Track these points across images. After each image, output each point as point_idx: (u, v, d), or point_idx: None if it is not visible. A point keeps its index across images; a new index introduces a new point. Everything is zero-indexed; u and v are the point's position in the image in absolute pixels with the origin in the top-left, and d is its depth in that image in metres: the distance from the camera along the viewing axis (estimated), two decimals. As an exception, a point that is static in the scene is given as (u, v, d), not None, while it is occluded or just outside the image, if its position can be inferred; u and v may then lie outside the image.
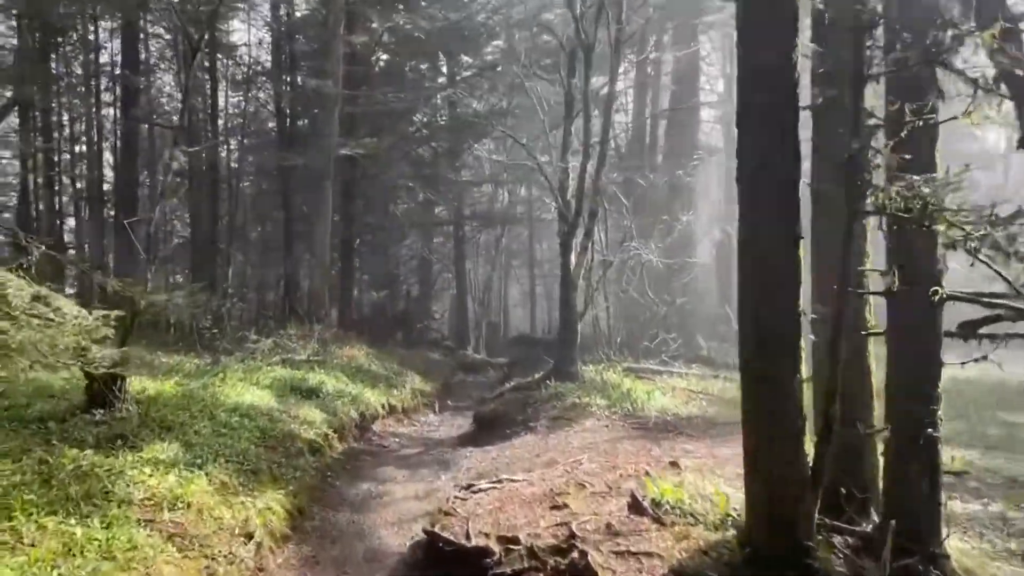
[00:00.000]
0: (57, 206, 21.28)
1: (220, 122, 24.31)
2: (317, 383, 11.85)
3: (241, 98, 25.80)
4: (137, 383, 9.11)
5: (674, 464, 7.74)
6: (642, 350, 17.50)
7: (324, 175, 18.25)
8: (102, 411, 7.53)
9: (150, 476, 6.28)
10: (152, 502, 5.91)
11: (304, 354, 14.08)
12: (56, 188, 20.97)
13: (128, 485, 5.97)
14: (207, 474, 6.82)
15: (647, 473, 7.30)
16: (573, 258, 11.64)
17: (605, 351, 17.64)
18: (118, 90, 20.25)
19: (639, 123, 26.85)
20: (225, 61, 24.73)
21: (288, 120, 21.41)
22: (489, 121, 25.53)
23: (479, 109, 26.08)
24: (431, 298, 32.03)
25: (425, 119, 27.20)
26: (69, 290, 15.73)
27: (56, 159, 21.21)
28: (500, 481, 7.49)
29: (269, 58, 24.60)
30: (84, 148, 22.67)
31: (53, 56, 19.72)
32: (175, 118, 23.40)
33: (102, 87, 21.61)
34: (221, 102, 25.68)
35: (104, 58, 22.26)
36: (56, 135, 21.06)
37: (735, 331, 5.97)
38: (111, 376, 7.43)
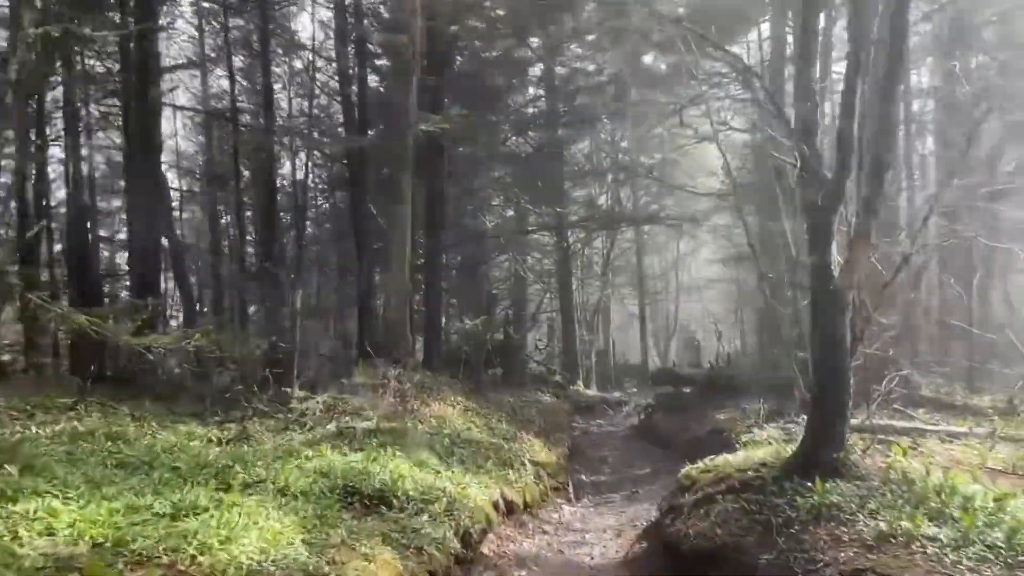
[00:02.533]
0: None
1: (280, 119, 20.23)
2: (389, 480, 6.92)
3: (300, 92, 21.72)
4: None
5: None
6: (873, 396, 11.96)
7: (401, 165, 13.61)
8: None
9: None
10: None
11: (374, 418, 9.25)
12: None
13: None
14: None
15: None
16: (836, 251, 6.31)
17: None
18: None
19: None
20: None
21: (356, 100, 16.79)
22: (601, 100, 20.60)
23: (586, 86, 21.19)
24: (529, 325, 27.01)
25: (523, 103, 22.36)
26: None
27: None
28: None
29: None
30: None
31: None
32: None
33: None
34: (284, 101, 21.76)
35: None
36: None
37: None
38: None
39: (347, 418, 9.25)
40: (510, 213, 23.84)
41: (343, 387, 10.97)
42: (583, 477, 11.42)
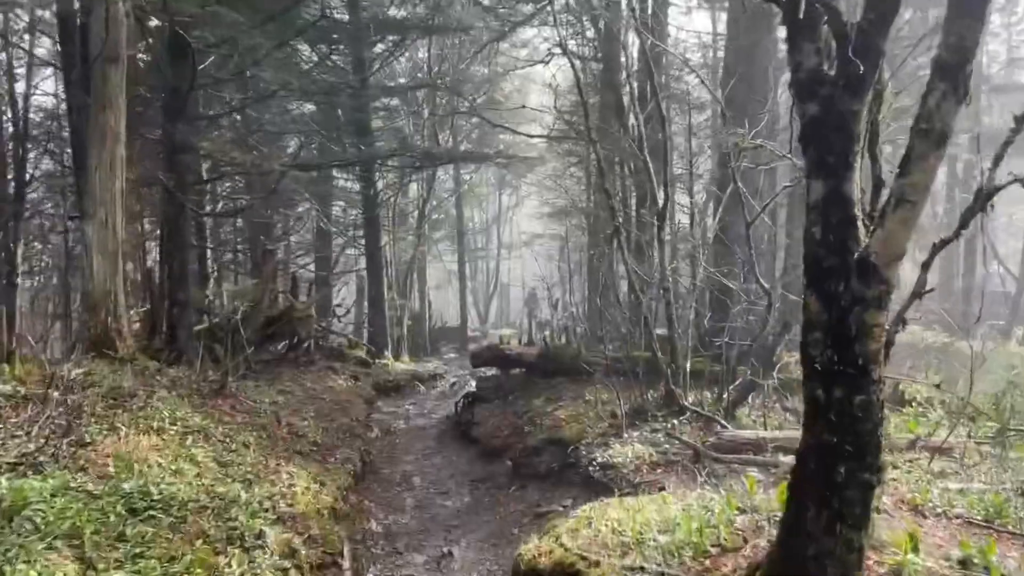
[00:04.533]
0: None
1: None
2: None
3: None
4: None
5: None
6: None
7: (107, 51, 9.02)
8: None
9: None
10: None
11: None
12: None
13: None
14: None
15: None
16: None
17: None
18: None
19: None
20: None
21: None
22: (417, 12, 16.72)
23: None
24: (327, 288, 22.68)
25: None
26: None
27: None
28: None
29: None
30: None
31: None
32: None
33: None
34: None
35: None
36: None
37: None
38: None
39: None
40: (308, 145, 19.25)
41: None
42: (372, 524, 7.77)
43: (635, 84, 15.80)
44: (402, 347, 24.03)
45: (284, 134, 17.08)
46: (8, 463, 5.37)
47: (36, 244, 17.14)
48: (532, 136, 21.97)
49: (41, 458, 5.55)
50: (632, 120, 14.01)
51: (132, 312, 11.00)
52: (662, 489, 6.64)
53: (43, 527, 4.54)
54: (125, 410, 7.04)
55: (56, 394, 6.66)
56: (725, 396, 9.45)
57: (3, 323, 7.73)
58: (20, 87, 15.42)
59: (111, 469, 5.79)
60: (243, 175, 14.06)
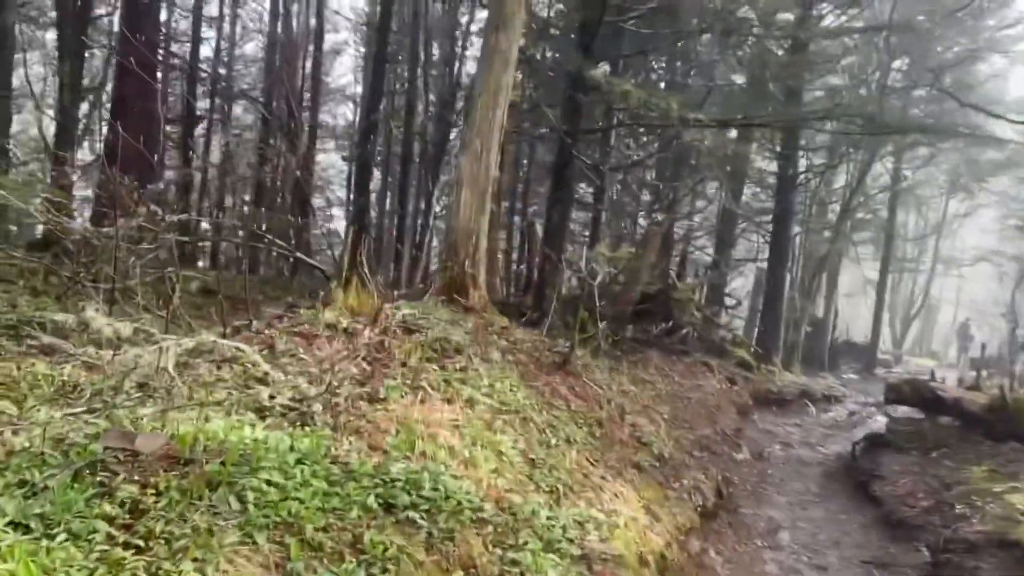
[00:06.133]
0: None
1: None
2: None
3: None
4: None
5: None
6: None
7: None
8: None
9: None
10: None
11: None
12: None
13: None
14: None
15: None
16: None
17: None
18: None
19: None
20: None
21: None
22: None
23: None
24: (720, 273, 20.31)
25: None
26: None
27: None
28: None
29: None
30: None
31: None
32: None
33: None
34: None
35: None
36: None
37: None
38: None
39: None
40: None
41: (290, 319, 5.97)
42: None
43: None
44: (795, 356, 20.78)
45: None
46: (278, 406, 4.42)
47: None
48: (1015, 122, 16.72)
49: (316, 406, 4.51)
50: None
51: (500, 260, 10.17)
52: None
53: (254, 507, 3.34)
54: (443, 367, 5.88)
55: (371, 333, 5.75)
56: None
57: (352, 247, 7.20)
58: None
59: (388, 440, 4.55)
60: (643, 126, 12.42)
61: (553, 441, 5.77)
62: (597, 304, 8.64)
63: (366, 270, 6.93)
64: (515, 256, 19.51)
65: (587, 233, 15.98)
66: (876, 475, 8.80)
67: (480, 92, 8.20)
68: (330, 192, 26.14)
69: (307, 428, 4.35)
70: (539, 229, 13.80)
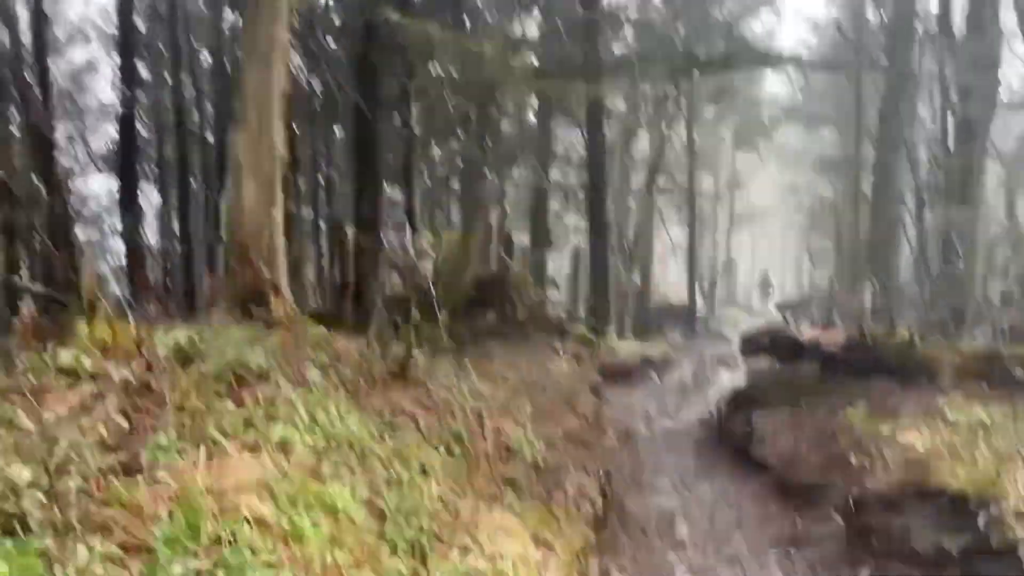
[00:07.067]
0: None
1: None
2: None
3: None
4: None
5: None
6: None
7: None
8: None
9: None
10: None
11: None
12: None
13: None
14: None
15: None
16: None
17: None
18: None
19: None
20: None
21: None
22: None
23: None
24: (544, 256, 19.70)
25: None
26: None
27: None
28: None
29: None
30: None
31: None
32: None
33: None
34: None
35: None
36: None
37: None
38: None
39: None
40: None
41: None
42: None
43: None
44: (624, 325, 20.69)
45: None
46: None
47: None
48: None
49: (26, 502, 2.81)
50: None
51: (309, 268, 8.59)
52: None
53: None
54: (240, 403, 4.29)
55: (126, 372, 4.05)
56: None
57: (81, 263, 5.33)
58: None
59: (158, 531, 2.95)
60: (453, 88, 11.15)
61: (405, 476, 4.37)
62: (432, 296, 7.32)
63: (127, 293, 5.11)
64: (326, 263, 17.78)
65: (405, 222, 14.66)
66: (751, 436, 8.22)
67: (249, 51, 6.56)
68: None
69: (13, 540, 2.66)
70: (349, 230, 12.26)
